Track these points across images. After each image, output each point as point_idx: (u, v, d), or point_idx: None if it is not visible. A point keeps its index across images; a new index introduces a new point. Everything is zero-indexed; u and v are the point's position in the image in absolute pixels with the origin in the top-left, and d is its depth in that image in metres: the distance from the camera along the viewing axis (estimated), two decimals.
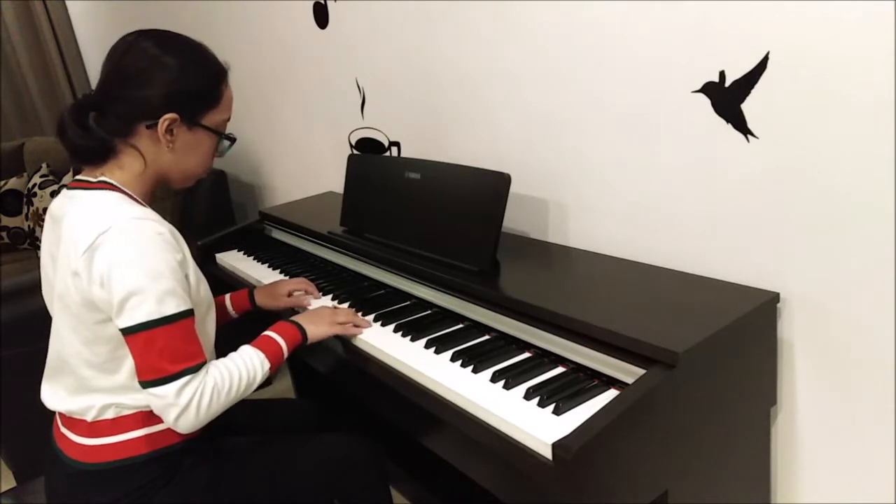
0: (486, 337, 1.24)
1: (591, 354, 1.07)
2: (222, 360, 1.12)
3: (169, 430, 1.12)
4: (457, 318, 1.32)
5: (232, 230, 2.01)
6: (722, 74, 1.12)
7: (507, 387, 1.05)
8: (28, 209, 3.26)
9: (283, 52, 2.32)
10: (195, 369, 1.04)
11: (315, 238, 1.80)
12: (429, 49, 1.70)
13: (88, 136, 1.09)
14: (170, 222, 1.10)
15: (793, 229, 1.11)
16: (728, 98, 1.13)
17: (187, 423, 1.04)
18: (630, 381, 0.99)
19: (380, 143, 2.02)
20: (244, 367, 1.11)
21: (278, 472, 1.23)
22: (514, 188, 1.41)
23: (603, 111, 1.34)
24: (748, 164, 1.13)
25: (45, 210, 3.15)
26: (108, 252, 1.01)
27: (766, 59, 1.06)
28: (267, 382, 1.29)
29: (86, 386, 1.12)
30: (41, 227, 3.13)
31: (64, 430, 1.16)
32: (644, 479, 0.97)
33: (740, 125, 1.12)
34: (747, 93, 1.10)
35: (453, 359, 1.16)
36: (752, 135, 1.11)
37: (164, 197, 2.64)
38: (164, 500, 1.13)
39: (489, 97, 1.58)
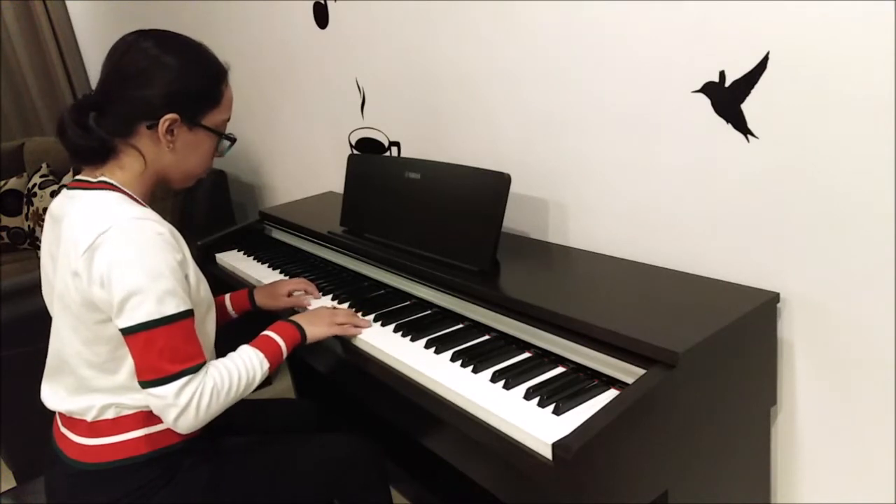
0: (486, 337, 1.24)
1: (591, 354, 1.07)
2: (221, 360, 1.12)
3: (169, 430, 1.11)
4: (457, 318, 1.32)
5: (232, 230, 2.01)
6: (722, 74, 1.12)
7: (507, 387, 1.05)
8: (28, 209, 3.26)
9: (283, 52, 2.32)
10: (195, 370, 1.04)
11: (315, 238, 1.80)
12: (429, 49, 1.70)
13: (88, 136, 1.09)
14: (170, 222, 1.10)
15: (793, 229, 1.11)
16: (728, 98, 1.13)
17: (187, 424, 1.04)
18: (630, 381, 0.99)
19: (380, 143, 2.02)
20: (243, 368, 1.11)
21: (278, 472, 1.23)
22: (514, 188, 1.41)
23: (603, 111, 1.34)
24: (748, 164, 1.13)
25: (45, 210, 3.15)
26: (109, 252, 1.01)
27: (766, 59, 1.06)
28: (267, 382, 1.29)
29: (86, 386, 1.12)
30: (41, 227, 3.13)
31: (64, 430, 1.16)
32: (644, 479, 0.97)
33: (740, 125, 1.12)
34: (747, 93, 1.10)
35: (453, 359, 1.16)
36: (752, 135, 1.11)
37: (164, 197, 2.64)
38: (164, 500, 1.13)
39: (489, 97, 1.58)
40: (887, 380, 1.06)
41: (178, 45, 1.13)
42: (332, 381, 1.87)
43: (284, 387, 2.52)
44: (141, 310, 1.00)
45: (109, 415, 1.12)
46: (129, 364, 1.09)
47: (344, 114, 2.13)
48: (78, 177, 1.14)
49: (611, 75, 1.30)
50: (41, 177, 3.26)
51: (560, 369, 1.10)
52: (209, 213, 2.74)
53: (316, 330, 1.26)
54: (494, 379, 1.08)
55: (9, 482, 2.06)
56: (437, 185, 1.48)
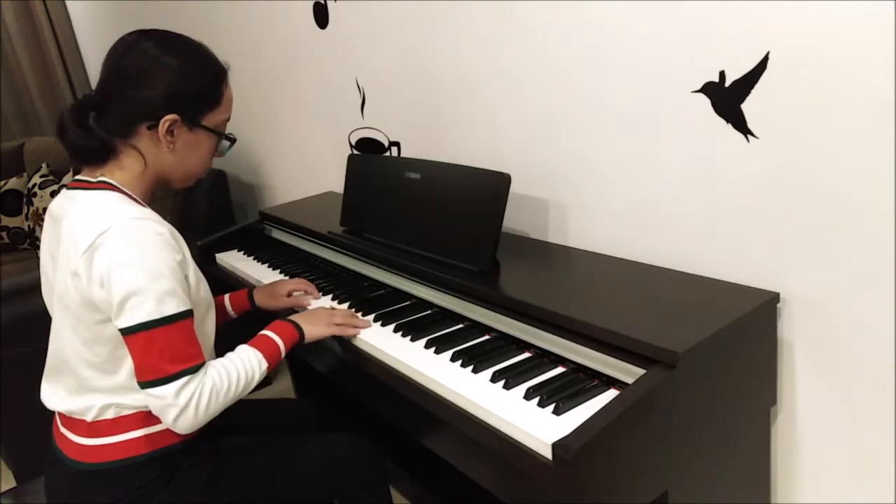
0: (486, 337, 1.24)
1: (591, 354, 1.07)
2: (220, 360, 1.12)
3: (169, 430, 1.11)
4: (457, 318, 1.32)
5: (232, 230, 2.01)
6: (722, 74, 1.12)
7: (507, 387, 1.05)
8: (28, 209, 3.26)
9: (283, 52, 2.32)
10: (194, 370, 1.04)
11: (315, 238, 1.80)
12: (429, 49, 1.70)
13: (88, 136, 1.09)
14: (170, 222, 1.10)
15: (793, 229, 1.11)
16: (728, 98, 1.13)
17: (186, 424, 1.04)
18: (630, 381, 0.99)
19: (380, 143, 2.02)
20: (242, 368, 1.11)
21: (278, 472, 1.22)
22: (514, 188, 1.41)
23: (603, 111, 1.34)
24: (748, 164, 1.13)
25: (45, 210, 3.14)
26: (108, 252, 1.01)
27: (766, 59, 1.06)
28: (267, 382, 1.29)
29: (86, 386, 1.12)
30: (41, 227, 3.12)
31: (64, 430, 1.16)
32: (644, 479, 0.97)
33: (740, 125, 1.12)
34: (747, 93, 1.10)
35: (453, 359, 1.16)
36: (752, 135, 1.11)
37: (164, 197, 2.64)
38: (163, 500, 1.13)
39: (489, 97, 1.58)
40: (887, 380, 1.06)
41: (178, 45, 1.13)
42: (332, 381, 1.87)
43: (284, 387, 2.52)
44: (141, 310, 1.00)
45: (109, 415, 1.12)
46: (128, 364, 1.08)
47: (344, 114, 2.13)
48: (78, 177, 1.14)
49: (611, 75, 1.30)
50: (41, 177, 3.26)
51: (560, 369, 1.10)
52: (209, 213, 2.73)
53: (314, 330, 1.26)
54: (494, 379, 1.08)
55: (9, 482, 2.06)
56: (437, 185, 1.48)
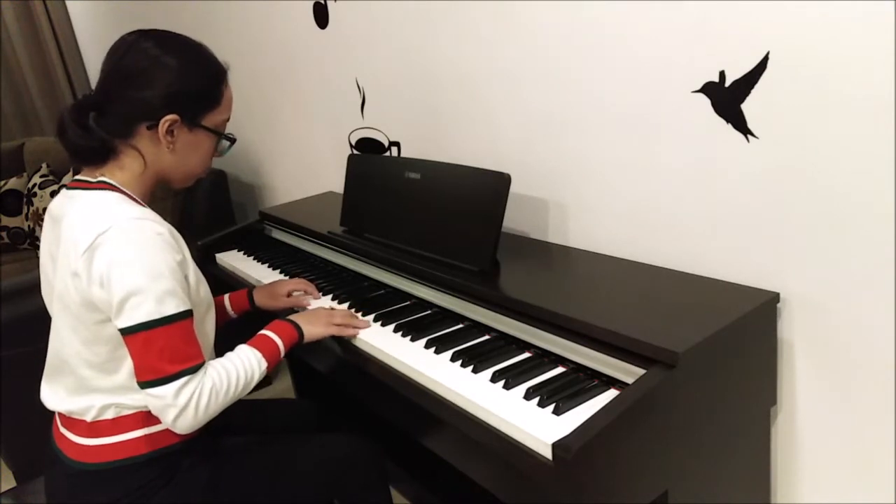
0: (486, 337, 1.24)
1: (591, 354, 1.07)
2: (219, 360, 1.12)
3: (168, 430, 1.11)
4: (457, 318, 1.32)
5: (232, 230, 2.01)
6: (722, 74, 1.12)
7: (507, 387, 1.05)
8: (28, 209, 3.26)
9: (283, 52, 2.32)
10: (194, 370, 1.04)
11: (315, 238, 1.80)
12: (429, 49, 1.70)
13: (88, 136, 1.09)
14: (170, 222, 1.10)
15: (793, 229, 1.11)
16: (728, 98, 1.13)
17: (185, 424, 1.04)
18: (630, 381, 0.99)
19: (380, 143, 2.02)
20: (242, 368, 1.11)
21: (278, 472, 1.22)
22: (514, 188, 1.41)
23: (603, 111, 1.34)
24: (748, 164, 1.13)
25: (45, 210, 3.14)
26: (108, 252, 1.01)
27: (766, 59, 1.06)
28: (267, 382, 1.29)
29: (85, 386, 1.12)
30: (41, 227, 3.12)
31: (63, 430, 1.16)
32: (644, 479, 0.97)
33: (740, 125, 1.12)
34: (747, 93, 1.10)
35: (453, 359, 1.16)
36: (752, 135, 1.11)
37: (164, 197, 2.64)
38: (163, 500, 1.13)
39: (489, 97, 1.58)
40: (887, 380, 1.06)
41: (178, 45, 1.13)
42: (332, 381, 1.87)
43: (284, 387, 2.52)
44: (140, 310, 1.00)
45: (109, 415, 1.12)
46: (128, 364, 1.08)
47: (344, 114, 2.13)
48: (78, 177, 1.14)
49: (611, 75, 1.30)
50: (41, 177, 3.26)
51: (560, 369, 1.10)
52: (209, 213, 2.74)
53: (313, 329, 1.26)
54: (494, 379, 1.08)
55: (9, 482, 2.06)
56: (437, 185, 1.48)
